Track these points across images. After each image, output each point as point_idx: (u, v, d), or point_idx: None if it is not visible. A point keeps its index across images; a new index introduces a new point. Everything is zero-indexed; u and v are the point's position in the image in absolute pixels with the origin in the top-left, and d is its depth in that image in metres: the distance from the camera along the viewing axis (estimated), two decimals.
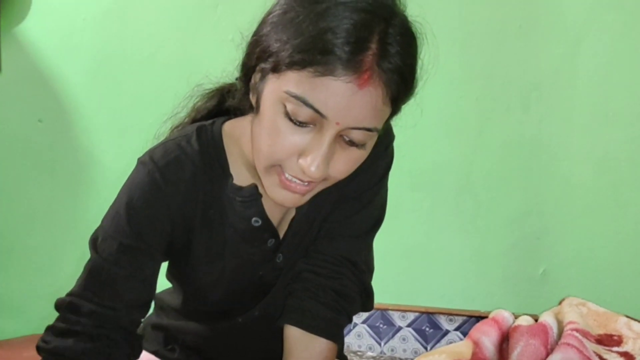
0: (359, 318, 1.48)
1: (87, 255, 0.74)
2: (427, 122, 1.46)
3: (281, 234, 0.80)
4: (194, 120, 0.81)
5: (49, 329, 0.72)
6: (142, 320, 0.76)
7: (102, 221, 0.74)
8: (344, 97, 0.60)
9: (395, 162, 0.86)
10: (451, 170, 1.51)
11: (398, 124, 0.79)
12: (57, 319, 0.72)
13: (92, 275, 0.72)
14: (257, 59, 0.66)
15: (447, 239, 1.53)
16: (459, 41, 1.48)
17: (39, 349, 0.71)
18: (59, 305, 0.72)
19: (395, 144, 0.85)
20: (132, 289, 0.72)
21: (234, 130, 0.76)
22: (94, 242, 0.73)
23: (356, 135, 0.64)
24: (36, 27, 1.82)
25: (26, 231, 1.87)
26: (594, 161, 1.44)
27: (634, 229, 1.43)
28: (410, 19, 0.66)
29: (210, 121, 0.78)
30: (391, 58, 0.61)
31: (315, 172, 0.63)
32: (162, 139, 0.80)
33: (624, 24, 1.41)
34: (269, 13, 0.67)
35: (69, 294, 0.72)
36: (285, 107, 0.62)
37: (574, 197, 1.45)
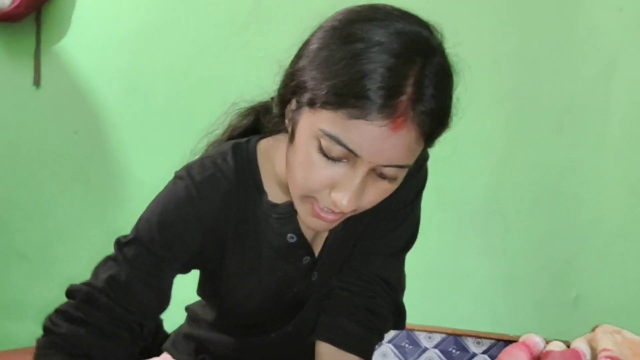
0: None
1: None
2: (457, 142, 1.46)
3: (316, 252, 0.81)
4: (229, 138, 0.82)
5: (60, 312, 0.72)
6: (150, 328, 0.77)
7: (135, 226, 0.75)
8: (378, 139, 0.60)
9: None
10: (480, 191, 1.50)
11: (432, 155, 0.79)
12: (70, 305, 0.72)
13: (113, 273, 0.72)
14: (293, 92, 0.66)
15: (475, 260, 1.51)
16: (490, 62, 1.47)
17: (46, 329, 0.71)
18: (74, 292, 0.73)
19: None
20: (148, 296, 0.73)
21: (269, 149, 0.78)
22: (120, 242, 0.74)
23: (388, 171, 0.64)
24: (74, 44, 1.89)
25: (59, 240, 1.91)
26: (628, 186, 1.41)
27: None
28: (447, 52, 0.65)
29: (245, 139, 0.79)
30: (426, 101, 0.61)
31: (347, 207, 0.64)
32: (198, 155, 0.81)
33: None
34: (305, 44, 0.67)
35: (87, 284, 0.73)
36: (319, 142, 0.63)
37: (606, 222, 1.42)
